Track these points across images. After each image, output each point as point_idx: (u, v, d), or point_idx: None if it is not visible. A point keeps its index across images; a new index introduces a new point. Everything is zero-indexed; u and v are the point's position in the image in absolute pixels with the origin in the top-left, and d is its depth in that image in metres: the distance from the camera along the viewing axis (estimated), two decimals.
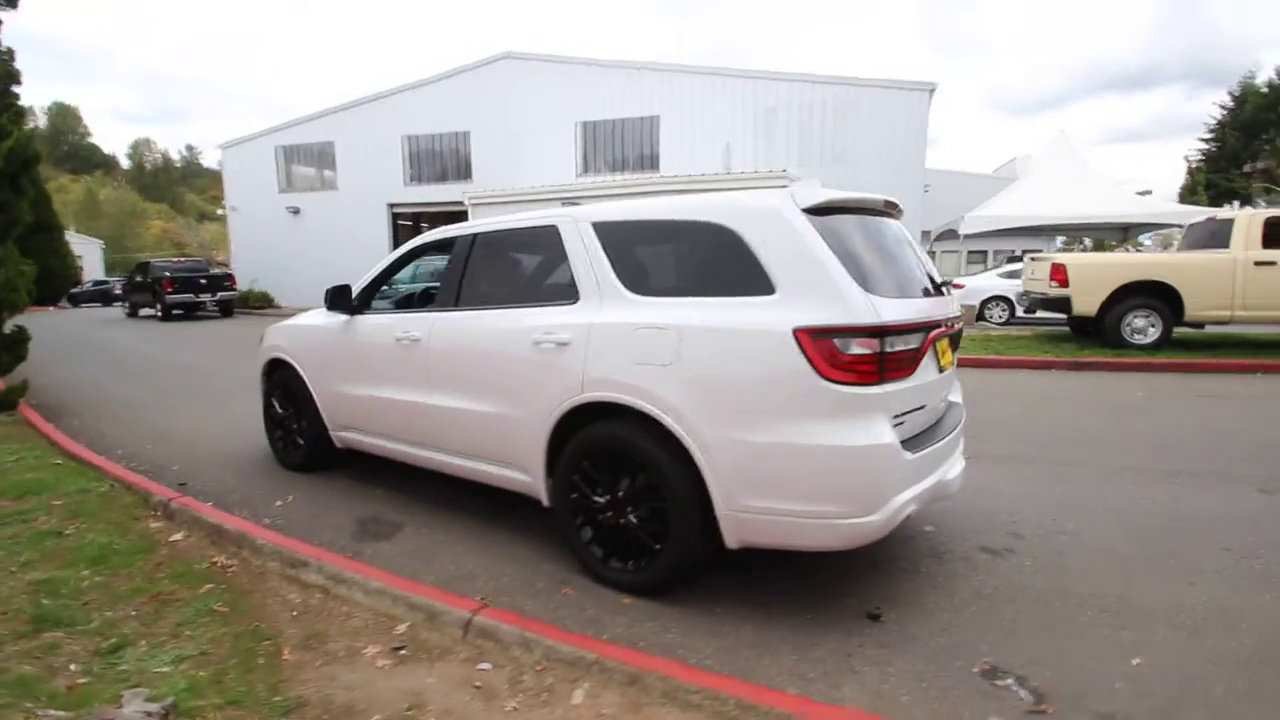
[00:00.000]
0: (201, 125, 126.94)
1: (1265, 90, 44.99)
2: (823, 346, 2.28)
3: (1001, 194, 16.82)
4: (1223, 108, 44.87)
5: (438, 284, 4.54)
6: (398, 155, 22.49)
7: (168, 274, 19.20)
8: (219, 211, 41.09)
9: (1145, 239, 21.57)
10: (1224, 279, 8.40)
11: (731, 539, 2.50)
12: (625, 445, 2.71)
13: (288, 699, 2.11)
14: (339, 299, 3.99)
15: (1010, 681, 2.13)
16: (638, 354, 2.63)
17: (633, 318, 2.69)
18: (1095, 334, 9.18)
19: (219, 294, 19.80)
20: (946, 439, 2.76)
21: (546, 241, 3.22)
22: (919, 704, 2.04)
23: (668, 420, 2.53)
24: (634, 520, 2.73)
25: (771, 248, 2.47)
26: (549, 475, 3.01)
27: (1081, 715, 1.98)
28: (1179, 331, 8.99)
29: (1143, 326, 8.83)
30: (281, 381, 4.58)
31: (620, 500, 2.76)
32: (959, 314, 3.02)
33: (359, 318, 4.02)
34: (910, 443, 2.49)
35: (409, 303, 4.61)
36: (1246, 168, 37.64)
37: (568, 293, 3.01)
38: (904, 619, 2.53)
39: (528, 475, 3.13)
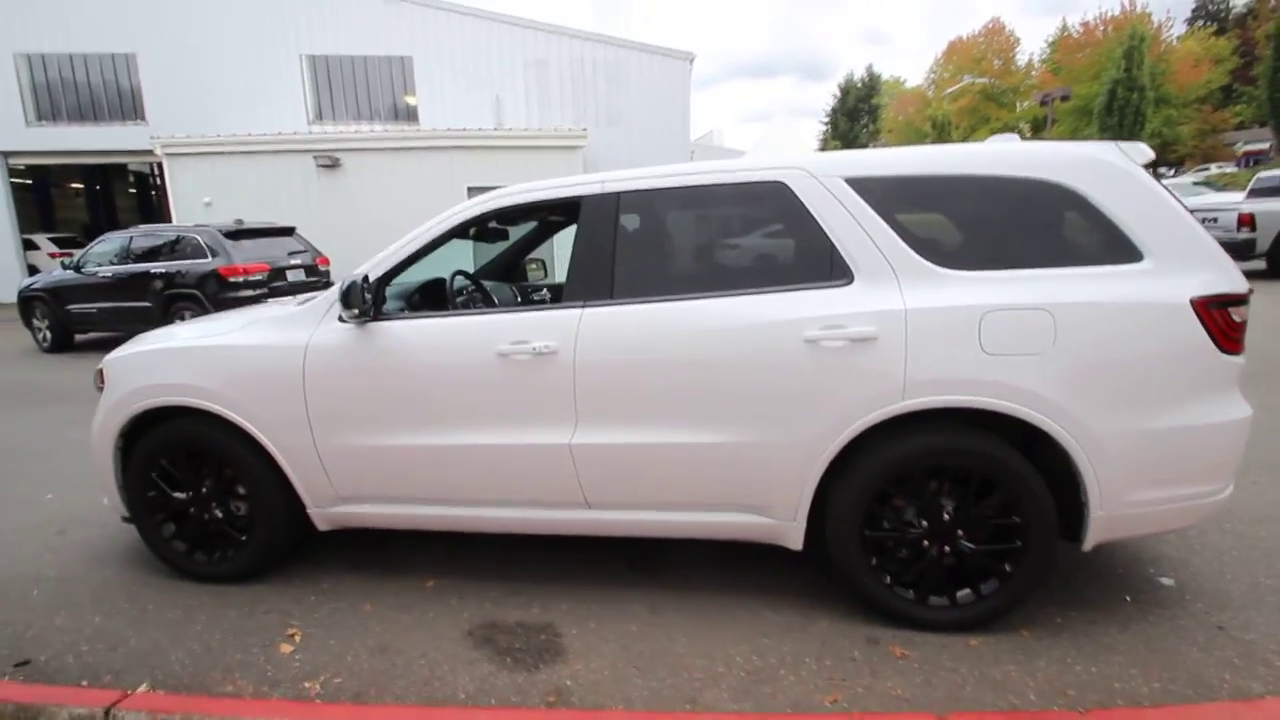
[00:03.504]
0: None
1: (859, 85, 59.12)
2: (1220, 316, 2.08)
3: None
4: (834, 96, 58.17)
5: (461, 275, 3.22)
6: (11, 81, 15.70)
7: None
8: None
9: None
10: None
11: (1095, 540, 2.20)
12: (965, 458, 2.18)
13: None
14: (355, 295, 2.46)
15: None
16: (992, 344, 2.10)
17: (969, 299, 2.13)
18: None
19: None
20: None
21: (767, 202, 2.40)
22: None
23: (1042, 419, 2.08)
24: (969, 546, 2.24)
25: (1127, 208, 2.15)
26: (814, 512, 2.31)
27: None
28: None
29: None
30: (178, 442, 2.75)
31: (947, 526, 2.24)
32: None
33: (383, 326, 2.56)
34: None
35: (434, 300, 3.10)
36: (871, 145, 48.58)
37: (823, 270, 2.27)
38: None
39: (769, 518, 2.36)
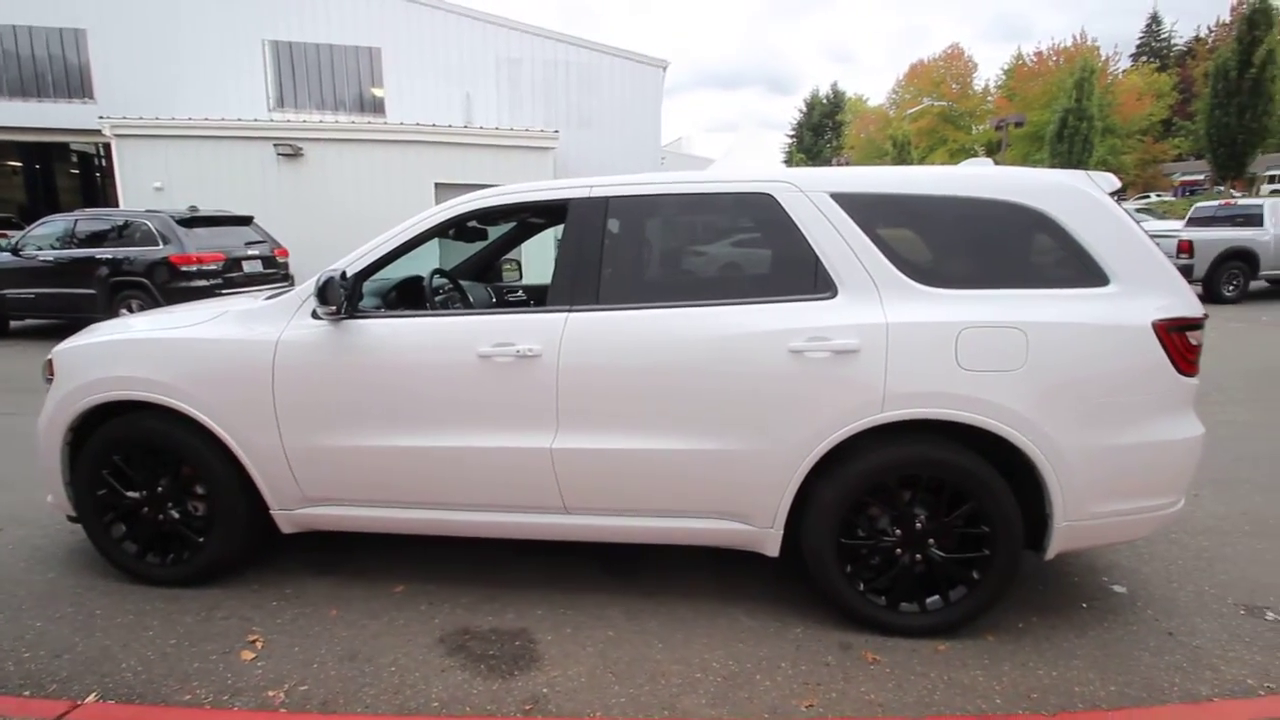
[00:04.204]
0: None
1: (825, 101, 60.66)
2: (1178, 340, 2.20)
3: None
4: (799, 110, 59.53)
5: (441, 276, 3.16)
6: None
7: None
8: None
9: None
10: None
11: (1056, 549, 2.29)
12: (939, 469, 2.24)
13: None
14: (333, 291, 2.39)
15: None
16: (968, 359, 2.17)
17: (948, 315, 2.20)
18: None
19: None
20: None
21: (753, 213, 2.44)
22: None
23: (1013, 433, 2.16)
24: (939, 554, 2.30)
25: (1096, 234, 2.25)
26: (791, 519, 2.34)
27: None
28: None
29: None
30: (134, 438, 2.62)
31: (919, 535, 2.30)
32: None
33: (360, 324, 2.49)
34: None
35: (411, 299, 3.03)
36: (834, 161, 49.69)
37: (807, 282, 2.31)
38: None
39: (747, 524, 2.38)
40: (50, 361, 2.75)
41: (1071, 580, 2.73)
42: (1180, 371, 2.20)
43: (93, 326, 2.96)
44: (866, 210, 2.33)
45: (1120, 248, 2.26)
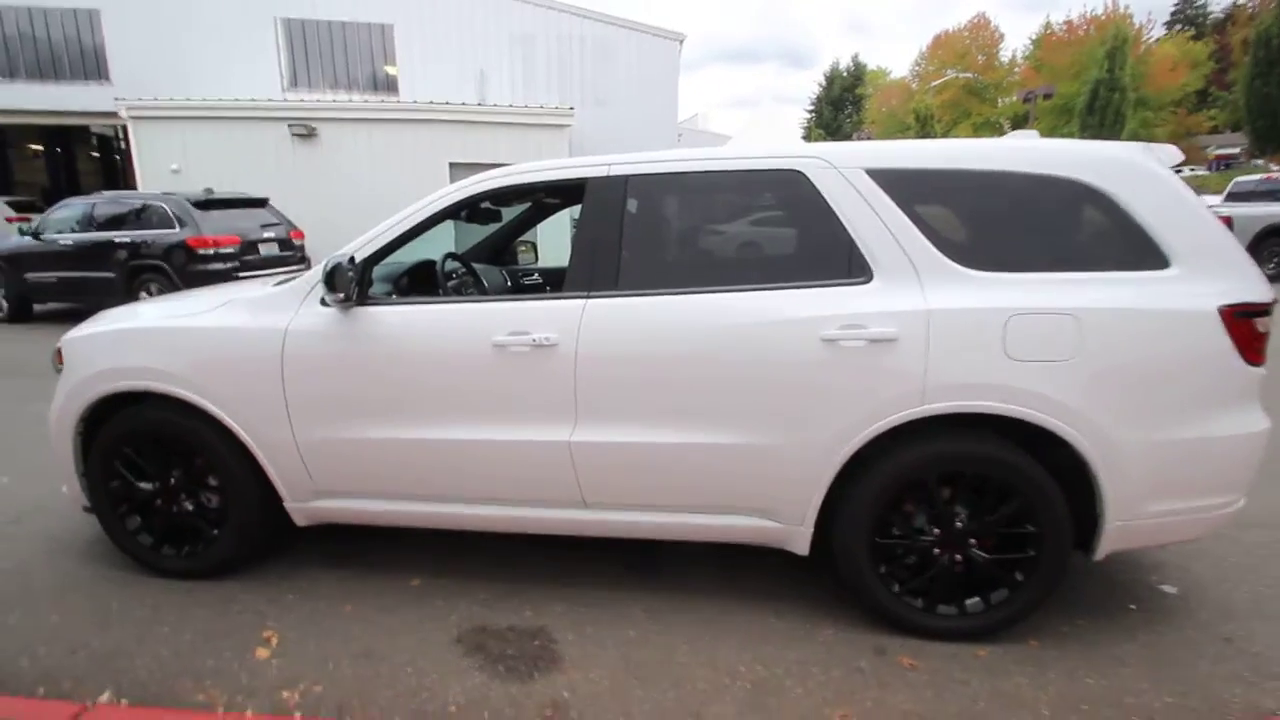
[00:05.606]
0: None
1: (845, 74, 59.15)
2: (1244, 327, 2.02)
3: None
4: (819, 85, 58.05)
5: (453, 260, 3.05)
6: None
7: None
8: None
9: None
10: None
11: (1106, 550, 2.15)
12: (982, 464, 2.11)
13: None
14: (341, 278, 2.28)
15: None
16: (1016, 349, 2.02)
17: (995, 301, 2.04)
18: None
19: None
20: None
21: (783, 192, 2.28)
22: None
23: (1064, 427, 2.01)
24: (980, 555, 2.17)
25: (1156, 212, 2.07)
26: (821, 515, 2.22)
27: None
28: None
29: None
30: (145, 429, 2.56)
31: (960, 534, 2.17)
32: None
33: (370, 311, 2.40)
34: None
35: (423, 284, 2.92)
36: (856, 136, 48.64)
37: (840, 266, 2.17)
38: None
39: (776, 521, 2.27)
40: (59, 350, 2.70)
41: (1117, 579, 2.59)
42: (1247, 361, 2.03)
43: (102, 313, 2.89)
44: (905, 187, 2.17)
45: (1182, 227, 2.08)
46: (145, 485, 2.63)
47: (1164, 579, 2.60)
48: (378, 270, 2.61)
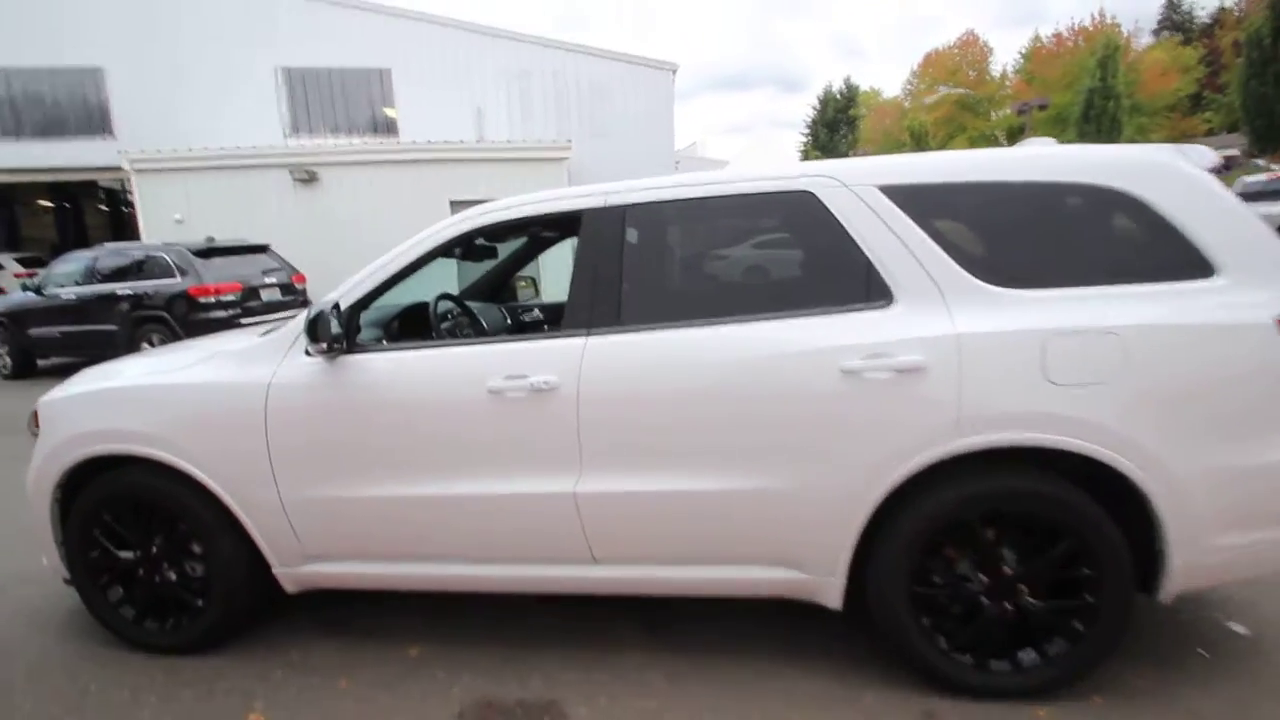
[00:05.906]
0: None
1: (838, 97, 59.79)
2: None
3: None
4: (813, 108, 58.67)
5: (448, 303, 2.92)
6: None
7: None
8: None
9: None
10: None
11: (1173, 591, 1.94)
12: (1028, 502, 1.91)
13: None
14: (323, 327, 2.14)
15: None
16: (1057, 372, 1.84)
17: (1030, 321, 1.87)
18: None
19: None
20: None
21: (792, 214, 2.14)
22: None
23: (1116, 457, 1.82)
24: (1032, 603, 1.96)
25: (1197, 217, 1.91)
26: (854, 564, 2.02)
27: None
28: None
29: None
30: (124, 495, 2.41)
31: (1009, 580, 1.97)
32: None
33: (357, 360, 2.25)
34: None
35: (416, 327, 2.78)
36: (852, 155, 49.00)
37: (858, 290, 2.01)
38: None
39: (803, 572, 2.07)
40: (35, 413, 2.56)
41: (1181, 619, 2.37)
42: None
43: (81, 372, 2.76)
44: (923, 203, 2.02)
45: (1226, 232, 1.91)
46: (126, 554, 2.46)
47: (1230, 615, 2.38)
48: (368, 315, 2.47)
